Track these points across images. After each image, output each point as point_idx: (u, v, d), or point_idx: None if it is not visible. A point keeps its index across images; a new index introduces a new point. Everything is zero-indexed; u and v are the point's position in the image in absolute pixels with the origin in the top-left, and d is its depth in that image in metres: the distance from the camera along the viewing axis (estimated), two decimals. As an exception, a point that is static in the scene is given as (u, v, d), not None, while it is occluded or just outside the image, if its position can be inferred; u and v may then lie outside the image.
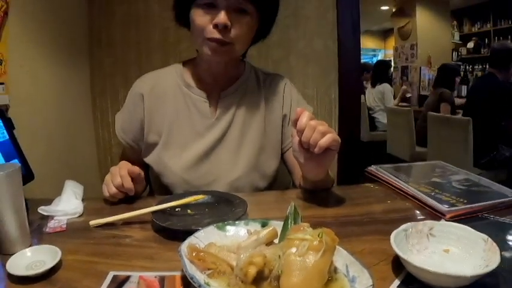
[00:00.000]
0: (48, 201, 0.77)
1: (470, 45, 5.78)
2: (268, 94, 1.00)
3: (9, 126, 0.81)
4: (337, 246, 0.48)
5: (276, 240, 0.53)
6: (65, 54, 1.57)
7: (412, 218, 0.73)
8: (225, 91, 0.96)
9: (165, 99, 0.95)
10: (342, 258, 0.49)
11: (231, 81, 0.97)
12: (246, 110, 0.96)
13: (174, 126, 0.94)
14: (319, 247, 0.44)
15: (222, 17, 0.79)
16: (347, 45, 1.77)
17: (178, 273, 0.52)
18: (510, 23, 5.03)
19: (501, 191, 0.80)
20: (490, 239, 0.52)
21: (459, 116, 2.98)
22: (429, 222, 0.58)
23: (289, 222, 0.56)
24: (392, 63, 6.20)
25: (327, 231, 0.46)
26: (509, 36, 5.00)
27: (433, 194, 0.78)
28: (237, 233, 0.58)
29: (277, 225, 0.56)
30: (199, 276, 0.45)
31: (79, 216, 0.75)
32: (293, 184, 1.05)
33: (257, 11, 0.85)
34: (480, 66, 5.56)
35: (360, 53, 1.87)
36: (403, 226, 0.56)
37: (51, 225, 0.70)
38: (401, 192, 0.84)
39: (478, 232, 0.54)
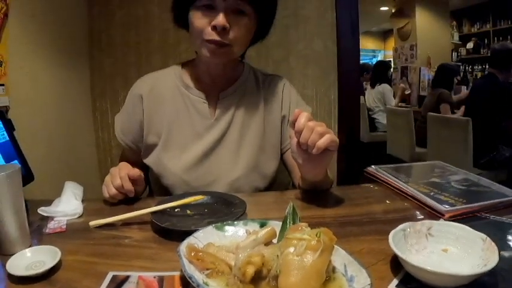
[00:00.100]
0: (48, 202, 0.77)
1: (470, 45, 5.78)
2: (267, 95, 1.00)
3: (10, 127, 0.81)
4: (336, 246, 0.49)
5: (275, 240, 0.53)
6: (65, 55, 1.57)
7: (411, 218, 0.73)
8: (224, 92, 0.96)
9: (164, 100, 0.95)
10: (340, 258, 0.49)
11: (229, 82, 0.97)
12: (245, 111, 0.96)
13: (174, 127, 0.94)
14: (317, 247, 0.44)
15: (220, 19, 0.79)
16: (346, 45, 1.78)
17: (177, 273, 0.52)
18: (510, 23, 5.03)
19: (500, 190, 0.81)
20: (488, 238, 0.52)
21: (458, 114, 2.99)
22: (428, 222, 0.58)
23: (287, 222, 0.56)
24: (392, 64, 6.21)
25: (325, 230, 0.46)
26: (509, 37, 5.00)
27: (432, 194, 0.78)
28: (236, 233, 0.58)
29: (275, 225, 0.56)
30: (198, 276, 0.45)
31: (79, 217, 0.75)
32: (293, 184, 1.05)
33: (255, 12, 0.86)
34: (480, 67, 5.56)
35: (359, 53, 1.87)
36: (402, 226, 0.56)
37: (51, 225, 0.70)
38: (401, 193, 0.84)
39: (476, 231, 0.54)
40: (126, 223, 0.71)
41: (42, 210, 0.73)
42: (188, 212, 0.74)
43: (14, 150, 0.79)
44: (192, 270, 0.45)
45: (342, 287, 0.45)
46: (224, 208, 0.75)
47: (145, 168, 0.98)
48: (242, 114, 0.96)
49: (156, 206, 0.72)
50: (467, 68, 5.69)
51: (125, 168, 0.82)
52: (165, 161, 0.93)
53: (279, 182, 1.03)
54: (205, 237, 0.55)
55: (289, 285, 0.42)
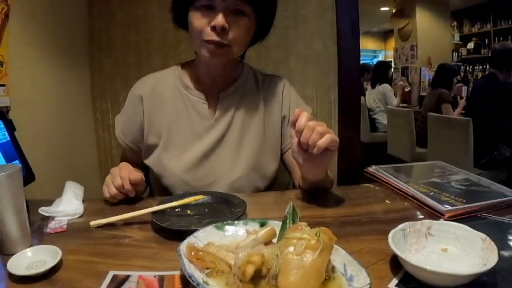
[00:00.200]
0: (49, 202, 0.78)
1: (471, 45, 5.78)
2: (267, 95, 1.00)
3: (10, 127, 0.82)
4: (335, 246, 0.49)
5: (275, 240, 0.53)
6: (65, 55, 1.58)
7: (412, 218, 0.72)
8: (224, 92, 0.96)
9: (164, 101, 0.95)
10: (340, 258, 0.50)
11: (229, 82, 0.97)
12: (245, 111, 0.96)
13: (174, 127, 0.94)
14: (317, 246, 0.44)
15: (219, 19, 0.79)
16: (346, 46, 1.78)
17: (177, 273, 0.52)
18: (510, 23, 5.03)
19: (501, 190, 0.81)
20: (488, 238, 0.52)
21: (458, 110, 2.98)
22: (427, 222, 0.58)
23: (287, 222, 0.56)
24: (393, 64, 6.20)
25: (324, 230, 0.47)
26: (510, 37, 4.99)
27: (432, 194, 0.78)
28: (236, 232, 0.58)
29: (275, 225, 0.56)
30: (198, 275, 0.45)
31: (79, 216, 0.75)
32: (293, 185, 1.05)
33: (255, 13, 0.86)
34: (480, 67, 5.55)
35: (359, 53, 1.87)
36: (401, 225, 0.56)
37: (52, 225, 0.70)
38: (401, 193, 0.85)
39: (476, 231, 0.54)
40: (127, 223, 0.71)
41: (43, 210, 0.73)
42: (188, 211, 0.74)
43: (14, 151, 0.80)
44: (192, 270, 0.46)
45: (341, 287, 0.45)
46: (224, 208, 0.75)
47: (145, 169, 0.98)
48: (242, 114, 0.96)
49: (156, 205, 0.72)
50: (467, 68, 5.69)
51: (125, 169, 0.82)
52: (165, 162, 0.93)
53: (279, 182, 1.04)
54: (205, 236, 0.55)
55: (289, 284, 0.43)
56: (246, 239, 0.51)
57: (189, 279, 0.43)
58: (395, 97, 4.49)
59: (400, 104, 4.64)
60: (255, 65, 1.07)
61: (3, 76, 1.15)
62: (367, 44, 8.72)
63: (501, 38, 5.13)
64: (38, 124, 1.36)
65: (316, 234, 0.45)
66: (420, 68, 5.46)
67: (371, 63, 6.98)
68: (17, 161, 0.78)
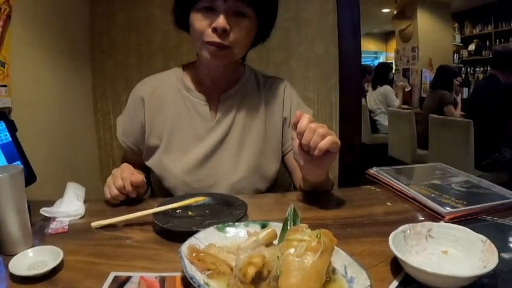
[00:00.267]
0: (50, 203, 0.78)
1: (472, 47, 5.78)
2: (268, 97, 1.00)
3: (12, 128, 0.82)
4: (336, 247, 0.49)
5: (276, 242, 0.53)
6: (67, 57, 1.58)
7: (412, 220, 0.73)
8: (225, 94, 0.96)
9: (166, 102, 0.96)
10: (341, 259, 0.50)
11: (230, 84, 0.97)
12: (246, 113, 0.96)
13: (175, 129, 0.94)
14: (317, 248, 0.44)
15: (221, 21, 0.80)
16: (348, 47, 1.78)
17: (178, 274, 0.52)
18: (511, 25, 5.03)
19: (501, 192, 0.80)
20: (488, 240, 0.52)
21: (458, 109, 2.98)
22: (428, 224, 0.58)
23: (288, 223, 0.56)
24: (394, 66, 6.20)
25: (325, 232, 0.47)
26: (511, 39, 5.00)
27: (432, 196, 0.78)
28: (237, 234, 0.58)
29: (276, 226, 0.56)
30: (199, 277, 0.45)
31: (81, 217, 0.75)
32: (294, 186, 1.05)
33: (256, 15, 0.86)
34: (481, 69, 5.56)
35: (360, 55, 1.87)
36: (402, 227, 0.56)
37: (53, 226, 0.70)
38: (402, 194, 0.85)
39: (476, 233, 0.54)
40: (128, 224, 0.71)
41: (45, 211, 0.73)
42: (190, 213, 0.74)
43: (16, 151, 0.80)
44: (193, 271, 0.46)
45: (341, 288, 0.46)
46: (225, 209, 0.75)
47: (147, 170, 0.99)
48: (243, 116, 0.96)
49: (157, 207, 0.72)
50: (469, 69, 5.69)
51: (127, 170, 0.83)
52: (166, 163, 0.93)
53: (280, 183, 1.04)
54: (206, 238, 0.55)
55: (290, 286, 0.43)
56: (247, 240, 0.52)
57: (190, 280, 0.44)
58: (397, 98, 4.49)
59: (401, 106, 4.64)
60: (256, 66, 1.07)
61: (5, 77, 1.15)
62: (368, 46, 8.72)
63: (502, 40, 5.14)
64: (40, 125, 1.37)
65: (317, 236, 0.45)
66: (421, 70, 5.46)
67: (372, 64, 6.98)
68: (18, 162, 0.79)
